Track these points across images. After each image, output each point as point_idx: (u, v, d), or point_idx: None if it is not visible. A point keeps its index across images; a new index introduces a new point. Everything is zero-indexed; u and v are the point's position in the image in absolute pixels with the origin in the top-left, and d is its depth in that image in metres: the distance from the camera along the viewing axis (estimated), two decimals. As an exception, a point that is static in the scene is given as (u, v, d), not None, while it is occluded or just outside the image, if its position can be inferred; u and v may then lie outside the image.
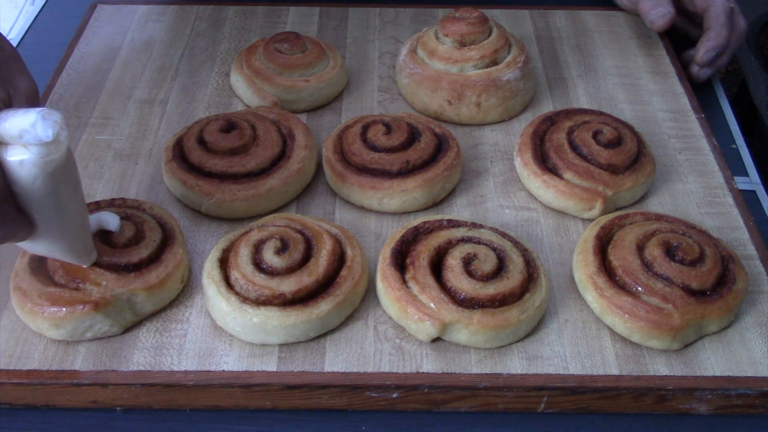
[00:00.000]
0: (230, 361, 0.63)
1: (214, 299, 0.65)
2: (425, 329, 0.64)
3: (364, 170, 0.76)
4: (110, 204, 0.71)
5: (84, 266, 0.64)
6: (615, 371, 0.64)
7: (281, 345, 0.65)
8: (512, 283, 0.65)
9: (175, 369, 0.63)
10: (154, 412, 0.64)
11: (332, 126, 0.87)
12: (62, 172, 0.55)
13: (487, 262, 0.66)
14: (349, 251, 0.68)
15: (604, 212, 0.76)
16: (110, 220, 0.67)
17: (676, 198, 0.80)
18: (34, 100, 0.56)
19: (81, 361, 0.63)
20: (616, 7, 1.07)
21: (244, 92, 0.89)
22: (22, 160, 0.52)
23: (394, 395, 0.63)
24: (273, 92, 0.87)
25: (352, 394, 0.63)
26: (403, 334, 0.66)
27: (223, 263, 0.67)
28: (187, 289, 0.69)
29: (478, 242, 0.68)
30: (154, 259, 0.67)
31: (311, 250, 0.67)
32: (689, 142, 0.86)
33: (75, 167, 0.57)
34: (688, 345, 0.66)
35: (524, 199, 0.79)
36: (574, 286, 0.70)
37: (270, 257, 0.66)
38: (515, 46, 0.91)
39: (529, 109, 0.91)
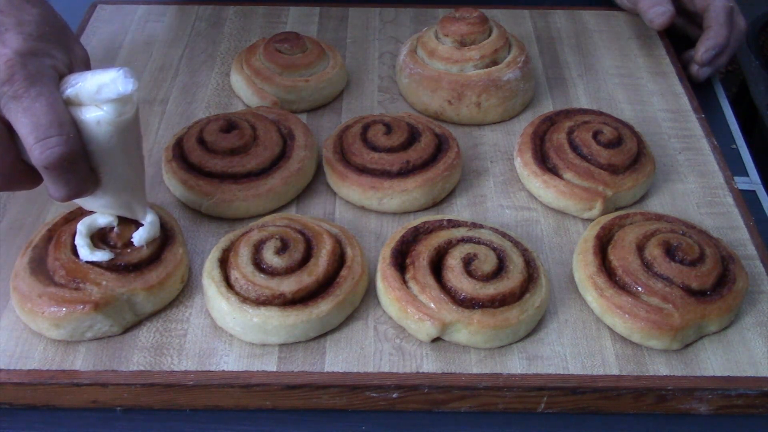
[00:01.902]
0: (230, 361, 0.63)
1: (214, 299, 0.65)
2: (425, 329, 0.64)
3: (364, 170, 0.76)
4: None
5: (140, 221, 0.66)
6: (615, 371, 0.64)
7: (281, 345, 0.65)
8: (512, 283, 0.65)
9: (175, 369, 0.63)
10: (154, 412, 0.64)
11: (332, 126, 0.87)
12: (133, 129, 0.59)
13: (487, 262, 0.66)
14: (349, 251, 0.68)
15: (604, 212, 0.76)
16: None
17: (676, 198, 0.80)
18: (89, 66, 0.61)
19: (81, 361, 0.63)
20: (616, 7, 1.07)
21: (244, 92, 0.89)
22: (99, 119, 0.56)
23: (394, 395, 0.63)
24: (273, 92, 0.87)
25: (352, 394, 0.63)
26: (403, 334, 0.66)
27: (223, 263, 0.67)
28: (187, 289, 0.69)
29: (478, 242, 0.69)
30: (154, 259, 0.67)
31: (311, 250, 0.67)
32: (689, 142, 0.86)
33: (139, 124, 0.61)
34: (688, 345, 0.66)
35: (524, 199, 0.79)
36: (574, 286, 0.70)
37: (270, 257, 0.66)
38: (515, 46, 0.91)
39: (529, 109, 0.91)
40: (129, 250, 0.66)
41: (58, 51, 0.59)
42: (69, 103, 0.56)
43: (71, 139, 0.55)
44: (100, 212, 0.66)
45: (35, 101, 0.54)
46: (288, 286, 0.64)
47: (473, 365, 0.64)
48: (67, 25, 0.62)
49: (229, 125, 0.78)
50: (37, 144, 0.54)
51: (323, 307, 0.64)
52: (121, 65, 0.94)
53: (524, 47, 0.91)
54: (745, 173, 0.87)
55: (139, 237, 0.66)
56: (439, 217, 0.72)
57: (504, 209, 0.78)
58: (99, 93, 0.55)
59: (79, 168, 0.57)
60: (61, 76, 0.58)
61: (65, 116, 0.55)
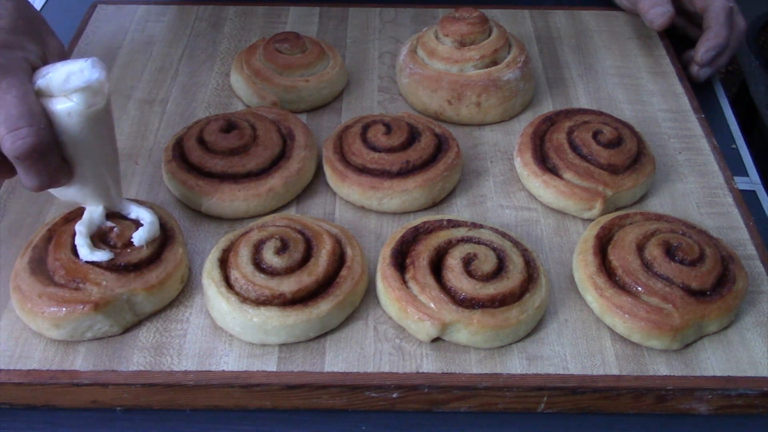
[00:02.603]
0: (230, 361, 0.63)
1: (214, 299, 0.65)
2: (425, 329, 0.64)
3: (364, 170, 0.76)
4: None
5: (114, 209, 0.68)
6: (615, 371, 0.64)
7: (281, 345, 0.65)
8: (512, 283, 0.65)
9: (175, 369, 0.63)
10: (154, 412, 0.64)
11: (332, 126, 0.87)
12: (104, 120, 0.60)
13: (487, 262, 0.66)
14: (349, 251, 0.68)
15: (604, 212, 0.76)
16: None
17: (676, 198, 0.80)
18: (64, 58, 0.61)
19: (81, 361, 0.63)
20: (616, 7, 1.07)
21: (244, 92, 0.89)
22: (69, 110, 0.57)
23: (394, 395, 0.63)
24: (273, 92, 0.87)
25: (352, 394, 0.63)
26: (403, 334, 0.66)
27: (223, 263, 0.67)
28: (187, 289, 0.69)
29: (478, 242, 0.68)
30: (154, 259, 0.67)
31: (311, 250, 0.67)
32: (689, 142, 0.86)
33: (112, 115, 0.63)
34: (688, 345, 0.66)
35: (524, 199, 0.79)
36: (574, 286, 0.70)
37: (270, 257, 0.66)
38: (515, 46, 0.91)
39: (529, 109, 0.91)
40: (129, 250, 0.66)
41: (32, 43, 0.60)
42: (40, 95, 0.58)
43: (42, 131, 0.56)
44: (77, 202, 0.67)
45: (7, 93, 0.55)
46: (288, 286, 0.64)
47: (473, 365, 0.64)
48: (42, 17, 0.63)
49: (229, 125, 0.78)
50: (8, 135, 0.55)
51: (323, 307, 0.64)
52: (121, 65, 0.95)
53: (524, 47, 0.91)
54: (745, 173, 0.87)
55: (139, 237, 0.66)
56: (439, 217, 0.72)
57: (504, 209, 0.78)
58: (67, 82, 0.57)
59: (51, 158, 0.58)
60: (34, 69, 0.59)
61: (36, 107, 0.56)
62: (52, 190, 0.63)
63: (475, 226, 0.71)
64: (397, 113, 0.84)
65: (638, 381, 0.63)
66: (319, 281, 0.65)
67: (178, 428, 0.63)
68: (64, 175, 0.61)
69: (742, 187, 0.83)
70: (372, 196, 0.75)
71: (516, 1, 1.10)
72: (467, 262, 0.66)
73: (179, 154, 0.78)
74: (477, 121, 0.88)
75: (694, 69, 0.96)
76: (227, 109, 0.89)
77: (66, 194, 0.65)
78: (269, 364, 0.63)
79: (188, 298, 0.69)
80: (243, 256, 0.66)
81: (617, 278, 0.67)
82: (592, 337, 0.66)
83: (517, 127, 0.88)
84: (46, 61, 0.60)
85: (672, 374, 0.63)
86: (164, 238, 0.69)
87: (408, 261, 0.68)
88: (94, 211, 0.66)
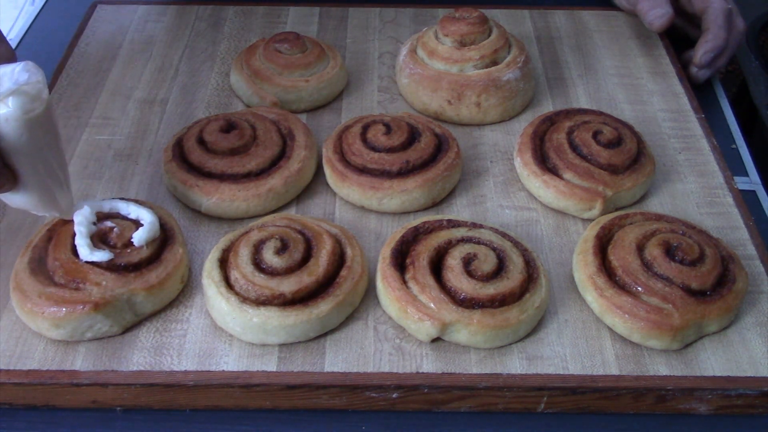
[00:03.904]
0: (230, 361, 0.63)
1: (214, 299, 0.65)
2: (425, 329, 0.64)
3: (364, 170, 0.76)
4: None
5: (65, 218, 0.67)
6: (615, 371, 0.64)
7: (281, 345, 0.65)
8: (512, 283, 0.65)
9: (175, 369, 0.63)
10: (154, 412, 0.64)
11: (332, 126, 0.87)
12: (44, 127, 0.59)
13: (487, 262, 0.66)
14: (349, 251, 0.68)
15: (604, 212, 0.76)
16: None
17: (676, 198, 0.80)
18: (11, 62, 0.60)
19: (81, 361, 0.63)
20: (616, 7, 1.07)
21: (244, 92, 0.89)
22: (6, 115, 0.56)
23: (394, 395, 0.63)
24: (273, 92, 0.87)
25: (352, 394, 0.63)
26: (403, 334, 0.66)
27: (223, 263, 0.67)
28: (187, 289, 0.69)
29: (478, 242, 0.68)
30: (154, 259, 0.67)
31: (311, 250, 0.67)
32: (689, 142, 0.87)
33: (56, 124, 0.61)
34: (688, 345, 0.66)
35: (524, 199, 0.79)
36: (574, 286, 0.70)
37: (270, 257, 0.66)
38: (515, 46, 0.91)
39: (529, 109, 0.91)
40: (129, 250, 0.66)
41: None
42: None
43: None
44: (27, 209, 0.65)
45: None
46: (288, 286, 0.64)
47: (473, 365, 0.64)
48: None
49: (229, 125, 0.78)
50: None
51: (323, 307, 0.64)
52: (121, 65, 0.95)
53: (524, 47, 0.91)
54: (745, 173, 0.87)
55: (139, 237, 0.66)
56: (439, 217, 0.72)
57: (504, 209, 0.78)
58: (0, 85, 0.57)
59: None
60: None
61: None
62: (2, 197, 0.63)
63: (475, 226, 0.71)
64: (397, 113, 0.84)
65: (638, 381, 0.63)
66: (319, 281, 0.65)
67: (178, 428, 0.63)
68: (6, 182, 0.60)
69: (742, 187, 0.83)
70: (372, 196, 0.75)
71: (516, 1, 1.10)
72: (467, 262, 0.66)
73: (179, 154, 0.78)
74: (477, 121, 0.88)
75: (693, 70, 0.97)
76: (227, 109, 0.89)
77: (14, 201, 0.64)
78: (269, 364, 0.63)
79: (188, 298, 0.69)
80: (243, 256, 0.66)
81: (617, 278, 0.67)
82: (592, 337, 0.66)
83: (517, 127, 0.88)
84: None
85: (672, 374, 0.63)
86: (164, 238, 0.69)
87: (408, 261, 0.68)
88: (84, 211, 0.66)
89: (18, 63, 0.57)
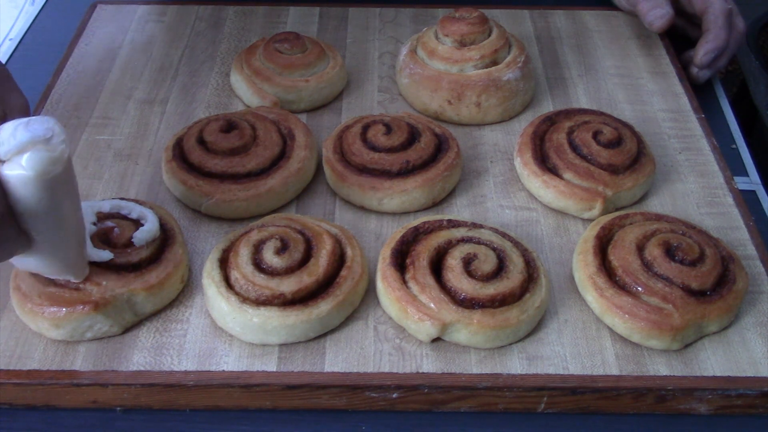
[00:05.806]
0: (230, 361, 0.63)
1: (214, 299, 0.65)
2: (425, 329, 0.64)
3: (364, 170, 0.76)
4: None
5: (77, 281, 0.63)
6: (615, 371, 0.64)
7: (281, 345, 0.65)
8: (512, 284, 0.65)
9: (175, 369, 0.63)
10: (154, 412, 0.64)
11: (332, 126, 0.87)
12: (65, 188, 0.54)
13: (487, 262, 0.66)
14: (349, 251, 0.68)
15: (604, 212, 0.76)
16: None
17: (676, 198, 0.80)
18: (27, 115, 0.56)
19: (81, 361, 0.63)
20: (616, 7, 1.07)
21: (244, 92, 0.89)
22: (22, 177, 0.50)
23: (394, 395, 0.63)
24: (273, 92, 0.87)
25: (352, 394, 0.63)
26: (403, 334, 0.66)
27: (223, 263, 0.67)
28: (187, 289, 0.69)
29: (478, 242, 0.68)
30: (154, 259, 0.67)
31: (311, 250, 0.67)
32: (689, 142, 0.86)
33: (75, 182, 0.57)
34: (688, 345, 0.66)
35: (524, 199, 0.79)
36: (574, 286, 0.70)
37: (270, 257, 0.66)
38: (515, 46, 0.91)
39: (529, 109, 0.91)
40: (129, 250, 0.66)
41: None
42: None
43: None
44: (39, 272, 0.62)
45: None
46: (288, 286, 0.64)
47: (473, 365, 0.64)
48: (6, 73, 0.58)
49: (229, 125, 0.78)
50: None
51: (323, 307, 0.64)
52: (121, 65, 0.95)
53: (524, 47, 0.91)
54: (745, 173, 0.87)
55: (139, 237, 0.66)
56: (439, 217, 0.72)
57: (504, 209, 0.78)
58: (14, 136, 0.50)
59: (5, 230, 0.52)
60: None
61: None
62: (13, 261, 0.58)
63: (475, 226, 0.71)
64: (397, 113, 0.84)
65: (638, 381, 0.63)
66: (319, 281, 0.65)
67: (178, 428, 0.63)
68: (19, 246, 0.55)
69: (742, 187, 0.83)
70: (372, 196, 0.75)
71: (516, 1, 1.10)
72: (467, 262, 0.66)
73: (179, 154, 0.78)
74: (477, 121, 0.88)
75: (694, 71, 0.97)
76: (227, 109, 0.89)
77: (24, 264, 0.59)
78: (269, 364, 0.63)
79: (188, 298, 0.69)
80: (243, 256, 0.66)
81: (617, 278, 0.67)
82: (592, 337, 0.66)
83: (517, 127, 0.88)
84: (4, 120, 0.54)
85: (672, 374, 0.63)
86: (164, 238, 0.69)
87: (408, 261, 0.68)
88: (85, 212, 0.66)
89: (34, 118, 0.51)
